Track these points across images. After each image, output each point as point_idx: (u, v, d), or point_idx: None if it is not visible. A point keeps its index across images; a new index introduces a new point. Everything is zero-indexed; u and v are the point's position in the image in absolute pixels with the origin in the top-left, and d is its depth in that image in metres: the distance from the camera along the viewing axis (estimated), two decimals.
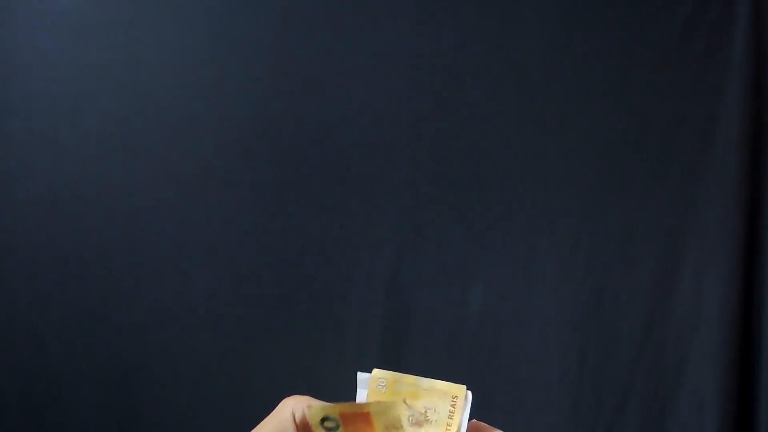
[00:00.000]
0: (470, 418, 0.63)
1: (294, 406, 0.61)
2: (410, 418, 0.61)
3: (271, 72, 1.20)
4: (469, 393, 0.61)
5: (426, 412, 0.61)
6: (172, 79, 1.18)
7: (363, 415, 0.58)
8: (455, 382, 0.63)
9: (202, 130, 1.19)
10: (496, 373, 1.24)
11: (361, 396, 0.61)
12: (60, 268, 1.17)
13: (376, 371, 0.61)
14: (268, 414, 0.63)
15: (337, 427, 0.58)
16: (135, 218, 1.18)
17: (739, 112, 1.24)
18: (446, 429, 0.61)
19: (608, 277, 1.25)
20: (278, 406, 0.63)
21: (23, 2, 1.15)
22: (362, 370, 0.62)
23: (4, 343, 1.16)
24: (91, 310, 1.17)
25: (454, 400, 0.62)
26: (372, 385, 0.61)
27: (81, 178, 1.17)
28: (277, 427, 0.61)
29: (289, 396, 0.64)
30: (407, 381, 0.61)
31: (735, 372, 1.26)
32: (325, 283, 1.21)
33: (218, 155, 1.19)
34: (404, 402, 0.61)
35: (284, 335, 1.20)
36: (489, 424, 0.63)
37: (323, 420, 0.58)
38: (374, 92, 1.21)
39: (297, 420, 0.61)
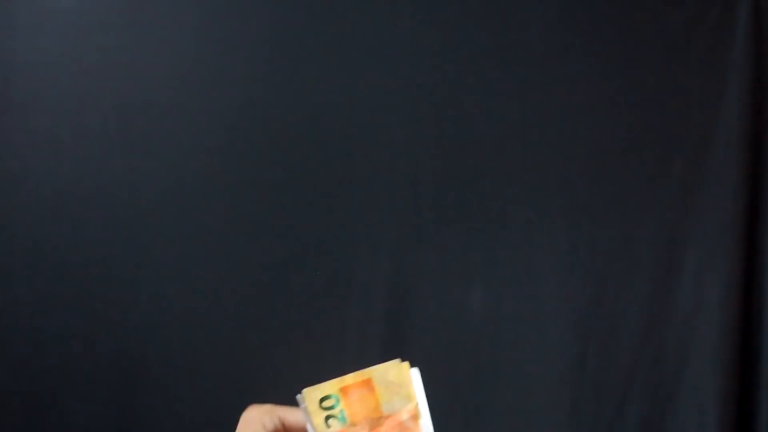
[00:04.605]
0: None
1: (262, 418, 0.61)
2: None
3: (271, 72, 1.20)
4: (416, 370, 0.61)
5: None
6: (173, 79, 1.18)
7: (364, 383, 0.58)
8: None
9: (202, 130, 1.19)
10: (496, 373, 1.24)
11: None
12: (60, 268, 1.17)
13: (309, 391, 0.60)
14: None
15: (338, 402, 0.58)
16: (135, 218, 1.18)
17: (739, 112, 1.24)
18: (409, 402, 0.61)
19: (608, 277, 1.25)
20: (242, 420, 0.62)
21: (24, 2, 1.15)
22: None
23: (4, 343, 1.16)
24: (91, 310, 1.17)
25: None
26: (315, 405, 0.60)
27: (81, 178, 1.17)
28: None
29: (248, 408, 0.63)
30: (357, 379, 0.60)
31: (735, 372, 1.26)
32: (325, 283, 1.21)
33: (218, 155, 1.19)
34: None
35: (284, 335, 1.20)
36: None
37: (322, 400, 0.58)
38: (374, 92, 1.21)
39: (268, 430, 0.61)
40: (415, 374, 0.60)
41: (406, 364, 0.60)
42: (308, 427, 0.60)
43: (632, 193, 1.25)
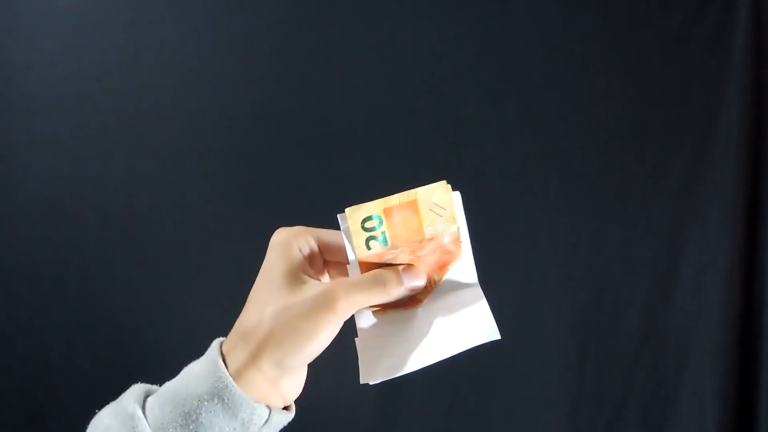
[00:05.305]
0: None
1: (297, 241, 0.56)
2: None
3: (271, 72, 1.20)
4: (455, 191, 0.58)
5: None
6: (172, 79, 1.18)
7: (409, 204, 0.55)
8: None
9: (202, 130, 1.19)
10: (496, 372, 1.24)
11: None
12: (60, 268, 1.17)
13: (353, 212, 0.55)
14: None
15: (380, 223, 0.55)
16: (135, 218, 1.18)
17: (739, 112, 1.24)
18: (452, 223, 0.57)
19: (608, 277, 1.25)
20: (273, 243, 0.57)
21: (24, 2, 1.15)
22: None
23: (4, 343, 1.16)
24: (91, 310, 1.17)
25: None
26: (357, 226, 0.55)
27: (81, 178, 1.17)
28: (289, 272, 0.55)
29: (277, 231, 0.58)
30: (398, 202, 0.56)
31: (735, 372, 1.26)
32: None
33: (218, 155, 1.19)
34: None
35: None
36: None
37: (364, 221, 0.55)
38: (374, 92, 1.21)
39: (305, 254, 0.56)
40: (456, 197, 0.57)
41: (449, 186, 0.57)
42: (347, 248, 0.56)
43: (632, 193, 1.25)
